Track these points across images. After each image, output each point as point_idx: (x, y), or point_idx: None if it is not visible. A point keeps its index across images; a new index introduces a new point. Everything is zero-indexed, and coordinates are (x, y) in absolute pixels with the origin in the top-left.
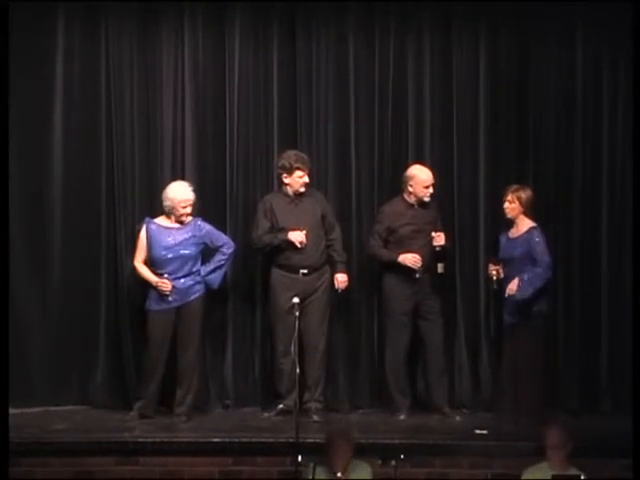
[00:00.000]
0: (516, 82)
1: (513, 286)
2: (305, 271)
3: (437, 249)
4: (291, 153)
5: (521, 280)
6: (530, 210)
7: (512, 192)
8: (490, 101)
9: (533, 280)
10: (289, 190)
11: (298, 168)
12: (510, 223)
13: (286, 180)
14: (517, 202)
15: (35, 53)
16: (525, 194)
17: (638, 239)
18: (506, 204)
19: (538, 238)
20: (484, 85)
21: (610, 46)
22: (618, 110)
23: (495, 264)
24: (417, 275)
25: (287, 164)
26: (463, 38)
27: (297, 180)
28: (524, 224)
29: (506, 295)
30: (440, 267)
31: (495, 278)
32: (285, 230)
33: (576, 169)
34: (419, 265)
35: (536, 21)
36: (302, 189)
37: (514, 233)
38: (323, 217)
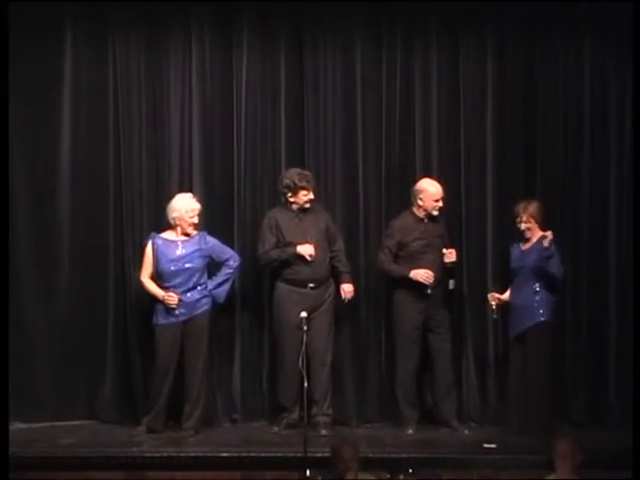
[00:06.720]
0: (523, 94)
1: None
2: (313, 285)
3: (448, 265)
4: (294, 172)
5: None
6: (543, 222)
7: (524, 212)
8: (498, 114)
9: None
10: (293, 206)
11: (303, 187)
12: (525, 238)
13: (291, 199)
14: (533, 221)
15: (43, 67)
16: (534, 209)
17: None
18: (523, 225)
19: (548, 243)
20: (492, 98)
21: (617, 57)
22: (625, 120)
23: (495, 294)
24: (428, 291)
25: (291, 184)
26: (470, 50)
27: (302, 198)
28: (536, 235)
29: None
30: (451, 283)
31: (495, 308)
32: (293, 244)
33: (584, 184)
34: (431, 281)
35: (543, 33)
36: (307, 205)
37: (527, 246)
38: (327, 230)
